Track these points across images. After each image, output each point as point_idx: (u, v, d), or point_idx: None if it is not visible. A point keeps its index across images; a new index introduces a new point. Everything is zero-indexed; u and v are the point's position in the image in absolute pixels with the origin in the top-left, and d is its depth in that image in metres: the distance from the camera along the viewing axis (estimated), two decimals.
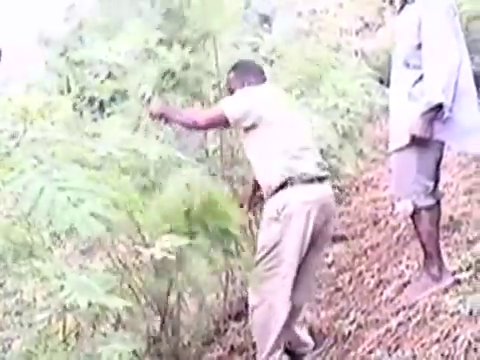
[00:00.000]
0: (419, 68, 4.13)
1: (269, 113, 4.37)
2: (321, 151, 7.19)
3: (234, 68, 4.81)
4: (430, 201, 4.26)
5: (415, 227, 4.40)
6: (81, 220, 2.46)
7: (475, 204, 5.66)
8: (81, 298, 2.51)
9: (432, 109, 3.99)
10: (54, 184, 2.58)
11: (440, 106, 3.98)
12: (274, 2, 19.62)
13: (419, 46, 4.11)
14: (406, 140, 4.17)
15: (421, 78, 4.12)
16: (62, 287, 2.66)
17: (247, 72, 4.74)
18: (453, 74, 4.00)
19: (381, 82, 14.28)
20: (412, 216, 4.34)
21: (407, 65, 4.22)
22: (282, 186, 4.31)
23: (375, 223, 6.77)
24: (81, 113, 4.64)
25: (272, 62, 7.02)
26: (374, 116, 12.88)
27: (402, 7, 4.36)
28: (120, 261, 4.25)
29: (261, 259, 4.33)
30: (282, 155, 4.35)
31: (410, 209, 4.28)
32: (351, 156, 8.74)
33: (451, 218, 5.38)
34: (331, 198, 4.54)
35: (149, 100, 4.98)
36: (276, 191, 4.33)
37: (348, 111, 8.68)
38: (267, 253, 4.31)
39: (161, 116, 4.57)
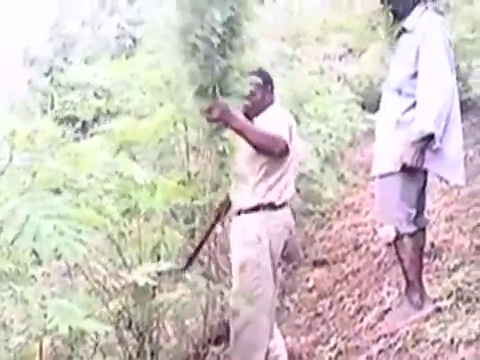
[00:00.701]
0: (412, 96, 4.15)
1: None
2: (303, 175, 7.23)
3: (264, 78, 4.44)
4: (412, 228, 4.27)
5: (397, 254, 4.41)
6: (66, 247, 2.44)
7: (456, 231, 5.67)
8: (62, 323, 2.48)
9: (423, 138, 4.01)
10: (40, 212, 2.55)
11: (431, 136, 4.00)
12: (258, 26, 19.73)
13: (414, 75, 4.15)
14: (392, 167, 4.19)
15: (413, 106, 4.14)
16: (44, 311, 2.64)
17: (271, 87, 4.64)
18: (446, 106, 4.04)
19: (363, 107, 14.36)
20: (394, 242, 4.35)
21: (399, 92, 4.23)
22: (256, 208, 4.41)
23: (356, 248, 6.77)
24: (64, 133, 4.61)
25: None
26: (356, 141, 12.96)
27: (399, 35, 4.37)
28: (100, 284, 4.22)
29: (242, 281, 4.40)
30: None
31: (392, 235, 4.28)
32: (333, 181, 8.77)
33: (432, 245, 5.38)
34: (293, 222, 4.63)
35: None
36: (249, 211, 4.43)
37: (330, 136, 8.71)
38: (249, 274, 4.36)
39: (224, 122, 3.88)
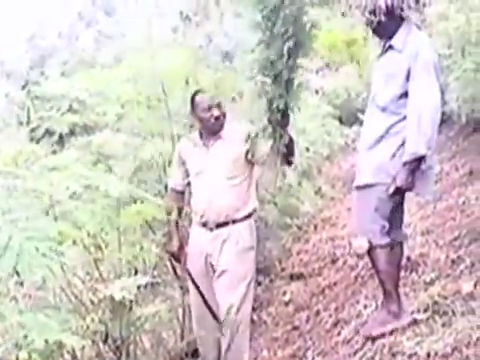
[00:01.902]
0: (397, 114, 4.15)
1: None
2: (280, 189, 7.24)
3: None
4: (385, 240, 4.27)
5: (373, 265, 4.41)
6: (48, 270, 2.44)
7: (433, 245, 5.69)
8: (39, 338, 2.47)
9: (415, 160, 4.03)
10: (22, 234, 2.54)
11: (422, 157, 4.02)
12: (235, 38, 19.77)
13: (403, 95, 4.13)
14: (369, 179, 4.20)
15: (398, 122, 4.15)
16: (20, 325, 2.62)
17: None
18: (435, 128, 4.04)
19: (340, 122, 14.43)
20: (369, 254, 4.35)
21: (383, 110, 4.22)
22: (249, 215, 4.65)
23: (333, 262, 6.78)
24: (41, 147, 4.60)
25: (233, 99, 7.04)
26: (333, 155, 13.02)
27: (384, 53, 4.36)
28: (76, 297, 4.20)
29: (248, 285, 4.59)
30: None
31: (365, 246, 4.29)
32: (310, 194, 8.80)
33: (408, 259, 5.39)
34: None
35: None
36: (246, 218, 4.62)
37: (308, 150, 8.75)
38: (249, 283, 4.61)
39: None
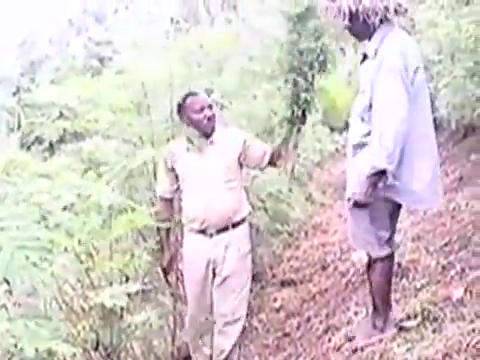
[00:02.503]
0: (370, 124, 4.04)
1: None
2: (271, 195, 7.25)
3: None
4: (385, 251, 4.22)
5: (368, 278, 4.37)
6: (38, 279, 2.43)
7: (423, 251, 5.70)
8: (29, 346, 2.46)
9: (376, 173, 3.93)
10: (13, 243, 2.54)
11: (384, 171, 3.93)
12: (226, 45, 19.74)
13: (370, 106, 4.01)
14: (359, 190, 4.14)
15: (369, 133, 4.05)
16: (10, 333, 2.61)
17: None
18: (400, 141, 3.87)
19: (331, 129, 14.45)
20: (368, 267, 4.30)
21: (362, 119, 4.13)
22: (246, 217, 4.75)
23: (324, 268, 6.79)
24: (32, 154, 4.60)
25: (222, 106, 7.04)
26: (324, 161, 13.04)
27: (362, 61, 4.24)
28: (67, 304, 4.19)
29: (247, 290, 4.80)
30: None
31: (365, 260, 4.23)
32: (300, 201, 8.80)
33: (399, 265, 5.39)
34: None
35: None
36: (243, 221, 4.70)
37: (298, 156, 8.75)
38: (249, 285, 4.82)
39: None
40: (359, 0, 3.95)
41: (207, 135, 4.63)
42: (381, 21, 4.03)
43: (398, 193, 4.06)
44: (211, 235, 4.59)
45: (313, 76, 4.47)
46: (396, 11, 4.01)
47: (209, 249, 4.59)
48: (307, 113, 4.63)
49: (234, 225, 4.60)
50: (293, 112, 4.55)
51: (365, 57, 4.19)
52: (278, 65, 4.88)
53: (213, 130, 4.65)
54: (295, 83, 4.48)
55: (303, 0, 4.42)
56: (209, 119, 4.59)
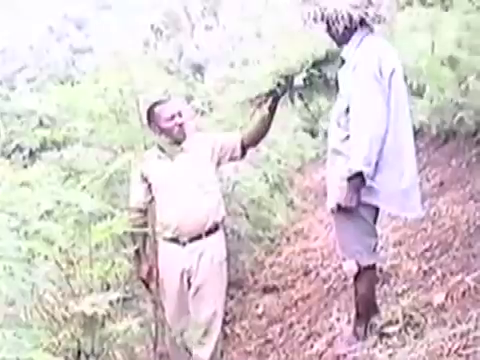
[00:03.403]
0: (346, 129, 4.06)
1: None
2: (252, 201, 7.23)
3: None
4: (374, 258, 4.23)
5: (355, 287, 4.36)
6: (17, 291, 2.42)
7: (404, 256, 5.71)
8: (9, 356, 2.44)
9: (355, 176, 3.93)
10: None
11: (362, 174, 3.94)
12: (206, 52, 19.78)
13: (347, 110, 4.04)
14: (335, 202, 4.14)
15: (347, 138, 4.06)
16: None
17: None
18: (376, 143, 3.90)
19: (312, 134, 14.44)
20: (356, 277, 4.28)
21: (338, 124, 4.13)
22: (220, 223, 4.72)
23: (306, 274, 6.79)
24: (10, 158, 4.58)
25: (203, 113, 7.05)
26: (305, 167, 13.04)
27: (341, 66, 4.26)
28: (48, 312, 4.16)
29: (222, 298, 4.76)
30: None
31: (354, 269, 4.21)
32: (282, 207, 8.79)
33: (380, 270, 5.40)
34: None
35: None
36: (217, 228, 4.66)
37: (279, 162, 8.75)
38: (224, 292, 4.80)
39: None
40: (355, 4, 3.99)
41: (178, 142, 4.63)
42: (360, 25, 4.07)
43: (378, 198, 4.07)
44: (184, 244, 4.57)
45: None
46: (374, 19, 4.04)
47: (183, 259, 4.58)
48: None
49: (207, 233, 4.57)
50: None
51: (343, 62, 4.20)
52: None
53: (184, 137, 4.65)
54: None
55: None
56: (180, 126, 4.59)
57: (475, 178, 7.07)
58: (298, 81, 4.36)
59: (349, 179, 3.95)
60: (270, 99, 4.56)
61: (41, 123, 5.48)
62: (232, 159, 4.88)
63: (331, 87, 4.43)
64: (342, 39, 4.15)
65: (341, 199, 4.00)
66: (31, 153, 5.63)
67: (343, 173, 4.00)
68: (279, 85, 4.43)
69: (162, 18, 24.86)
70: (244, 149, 4.78)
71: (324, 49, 4.39)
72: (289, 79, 4.43)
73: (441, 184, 7.80)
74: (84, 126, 4.97)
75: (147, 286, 4.83)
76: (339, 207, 4.13)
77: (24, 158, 6.91)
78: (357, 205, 4.00)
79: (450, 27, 6.73)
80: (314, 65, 4.38)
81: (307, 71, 4.36)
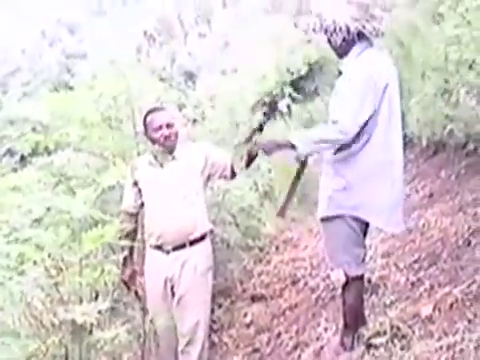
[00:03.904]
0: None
1: None
2: (242, 210, 7.25)
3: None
4: (361, 269, 4.24)
5: (343, 297, 4.37)
6: (7, 300, 2.43)
7: (393, 268, 5.72)
8: None
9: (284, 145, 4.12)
10: None
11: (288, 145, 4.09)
12: (199, 60, 19.81)
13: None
14: (333, 211, 4.16)
15: (341, 149, 4.11)
16: None
17: None
18: (356, 125, 3.95)
19: None
20: (343, 287, 4.29)
21: None
22: (206, 234, 4.73)
23: (294, 283, 6.78)
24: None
25: (195, 121, 7.06)
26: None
27: (339, 74, 4.30)
28: (36, 318, 4.16)
29: (206, 308, 4.75)
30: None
31: (342, 279, 4.22)
32: (271, 215, 8.80)
33: (369, 281, 5.41)
34: None
35: None
36: (202, 238, 4.66)
37: (269, 171, 8.76)
38: (208, 301, 4.77)
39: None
40: (355, 16, 4.05)
41: (168, 152, 4.65)
42: (359, 37, 4.12)
43: (367, 213, 4.11)
44: (168, 252, 4.59)
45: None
46: (371, 32, 4.09)
47: (166, 266, 4.59)
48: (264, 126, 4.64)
49: (192, 242, 4.59)
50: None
51: (340, 73, 4.28)
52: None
53: (173, 148, 4.67)
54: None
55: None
56: (166, 138, 4.62)
57: (464, 190, 7.09)
58: (282, 106, 4.42)
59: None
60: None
61: (34, 129, 5.47)
62: (221, 177, 4.92)
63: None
64: (342, 51, 4.21)
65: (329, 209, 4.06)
66: (22, 158, 5.62)
67: (334, 185, 4.06)
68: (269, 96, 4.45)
69: (155, 25, 24.89)
70: (234, 171, 4.80)
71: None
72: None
73: (430, 196, 7.82)
74: (76, 132, 4.98)
75: (128, 288, 4.83)
76: (328, 217, 4.17)
77: (16, 162, 6.91)
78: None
79: (441, 40, 6.76)
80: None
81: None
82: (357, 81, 4.01)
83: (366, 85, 3.98)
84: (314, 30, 4.14)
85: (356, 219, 4.14)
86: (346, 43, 4.14)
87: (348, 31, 4.04)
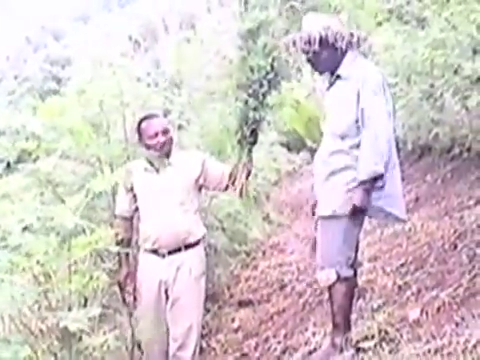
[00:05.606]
0: (352, 139, 4.19)
1: None
2: (229, 215, 7.25)
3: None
4: (350, 272, 4.27)
5: (330, 296, 4.37)
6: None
7: (380, 272, 5.73)
8: None
9: (371, 179, 4.06)
10: None
11: (377, 177, 4.06)
12: (184, 65, 19.78)
13: (357, 120, 4.17)
14: (337, 209, 4.19)
15: (356, 147, 4.18)
16: None
17: None
18: (389, 146, 4.12)
19: (288, 148, 14.50)
20: (330, 287, 4.30)
21: (342, 138, 4.21)
22: (200, 240, 4.73)
23: (281, 288, 6.79)
24: None
25: (180, 127, 7.05)
26: (281, 181, 13.08)
27: (332, 84, 4.39)
28: (25, 325, 4.14)
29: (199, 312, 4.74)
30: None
31: (333, 278, 4.23)
32: (258, 221, 8.82)
33: (356, 285, 5.41)
34: None
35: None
36: (197, 244, 4.66)
37: (256, 176, 8.78)
38: (201, 306, 4.76)
39: None
40: (327, 25, 4.20)
41: (163, 158, 4.65)
42: (347, 47, 4.27)
43: (383, 200, 4.20)
44: (163, 255, 4.58)
45: (264, 94, 4.44)
46: (358, 39, 4.25)
47: (161, 270, 4.58)
48: (259, 132, 4.59)
49: (187, 247, 4.59)
50: (242, 132, 4.52)
51: (334, 81, 4.38)
52: (230, 83, 4.88)
53: (169, 154, 4.68)
54: (245, 101, 4.45)
55: (256, 16, 4.38)
56: (162, 145, 4.62)
57: (450, 194, 7.14)
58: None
59: (363, 182, 4.09)
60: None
61: (26, 139, 5.45)
62: (215, 189, 4.94)
63: None
64: (332, 60, 4.35)
65: (357, 201, 4.08)
66: (8, 165, 5.60)
67: (349, 180, 4.11)
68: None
69: (140, 30, 24.91)
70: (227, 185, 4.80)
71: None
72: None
73: (416, 200, 7.86)
74: (65, 140, 4.97)
75: (122, 290, 4.82)
76: (331, 215, 4.21)
77: (2, 169, 6.88)
78: (367, 207, 4.18)
79: (426, 44, 6.80)
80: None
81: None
82: (374, 82, 4.19)
83: (383, 84, 4.21)
84: (305, 43, 4.23)
85: (356, 220, 4.19)
86: (337, 51, 4.28)
87: (343, 37, 4.22)
